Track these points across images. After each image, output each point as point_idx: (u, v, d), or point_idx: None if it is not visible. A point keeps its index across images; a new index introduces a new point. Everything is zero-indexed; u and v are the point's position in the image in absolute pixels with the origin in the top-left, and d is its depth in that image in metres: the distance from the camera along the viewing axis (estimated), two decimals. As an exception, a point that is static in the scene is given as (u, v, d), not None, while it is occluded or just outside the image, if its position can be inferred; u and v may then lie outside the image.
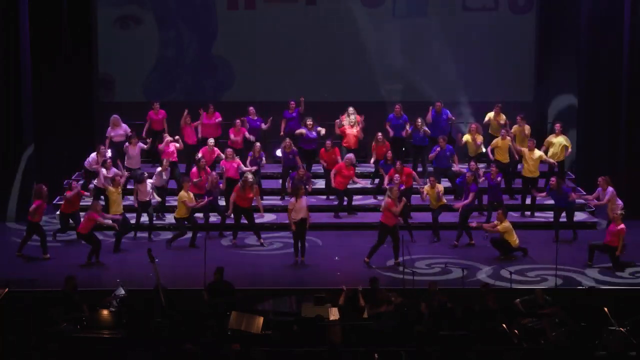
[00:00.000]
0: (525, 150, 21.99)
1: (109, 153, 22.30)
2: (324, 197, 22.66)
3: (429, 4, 25.54)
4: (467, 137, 22.88)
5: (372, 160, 22.78)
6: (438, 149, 22.17)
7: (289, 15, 25.45)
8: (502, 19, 25.58)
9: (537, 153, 21.93)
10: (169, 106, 24.12)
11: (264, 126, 23.49)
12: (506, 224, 19.74)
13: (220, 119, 23.44)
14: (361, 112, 23.47)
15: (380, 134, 22.82)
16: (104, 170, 21.32)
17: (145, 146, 22.48)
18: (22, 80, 21.96)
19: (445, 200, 21.05)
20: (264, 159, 22.57)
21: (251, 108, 23.59)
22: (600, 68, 23.17)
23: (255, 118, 23.52)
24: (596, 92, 23.34)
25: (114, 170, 21.49)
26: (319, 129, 22.76)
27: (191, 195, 20.47)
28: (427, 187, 21.02)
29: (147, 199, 20.94)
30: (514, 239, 19.71)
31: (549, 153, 22.27)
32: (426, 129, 23.03)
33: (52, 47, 23.10)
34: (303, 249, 19.66)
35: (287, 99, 24.07)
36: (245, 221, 20.67)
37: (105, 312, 15.66)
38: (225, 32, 25.54)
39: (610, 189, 20.21)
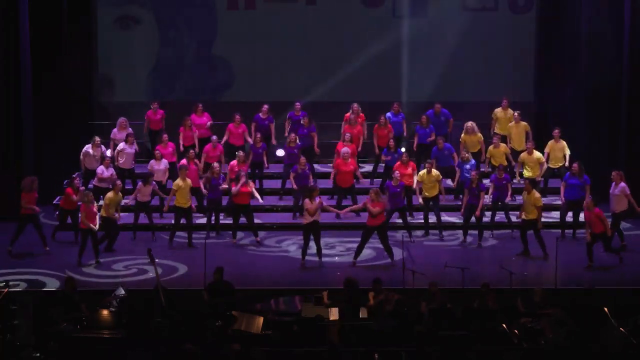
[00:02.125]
0: (524, 155, 21.94)
1: (108, 152, 22.30)
2: (327, 196, 22.65)
3: (429, 4, 25.53)
4: (463, 138, 22.89)
5: (377, 151, 22.78)
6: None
7: (289, 15, 25.44)
8: (502, 19, 25.57)
9: (537, 154, 21.90)
10: (169, 106, 24.12)
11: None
12: (537, 194, 19.86)
13: (208, 119, 23.38)
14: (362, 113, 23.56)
15: (382, 116, 22.86)
16: (101, 168, 21.34)
17: (138, 149, 22.42)
18: (22, 80, 21.96)
19: (443, 189, 21.02)
20: (265, 158, 22.58)
21: (265, 106, 23.50)
22: (600, 68, 23.17)
23: (265, 117, 23.47)
24: (596, 92, 23.33)
25: (112, 170, 21.53)
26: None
27: (188, 181, 20.50)
28: (423, 172, 20.99)
29: (147, 200, 20.94)
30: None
31: (551, 159, 22.22)
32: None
33: (52, 47, 23.10)
34: (319, 252, 19.57)
35: (286, 99, 24.08)
36: (245, 220, 20.69)
37: (105, 312, 15.65)
38: (225, 32, 25.53)
39: (622, 184, 20.20)
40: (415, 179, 21.30)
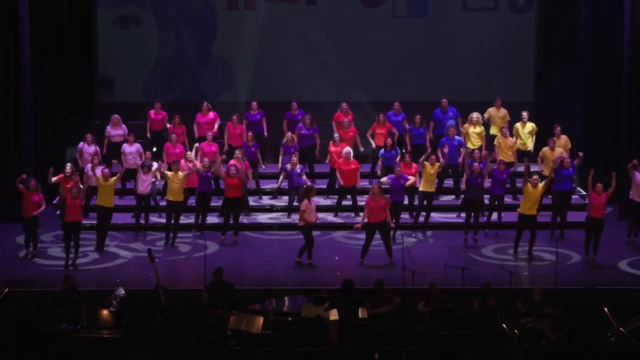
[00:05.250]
0: (547, 151, 21.90)
1: (97, 148, 22.21)
2: (323, 196, 22.64)
3: (429, 4, 25.53)
4: (466, 128, 22.90)
5: (373, 146, 22.83)
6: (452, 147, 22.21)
7: (289, 15, 25.44)
8: (502, 19, 25.57)
9: (558, 151, 21.84)
10: (169, 106, 24.12)
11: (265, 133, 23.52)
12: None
13: (215, 117, 23.41)
14: (360, 113, 23.57)
15: (382, 114, 22.88)
16: (87, 168, 21.34)
17: (140, 149, 22.37)
18: (22, 80, 21.96)
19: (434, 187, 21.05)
20: (259, 156, 22.64)
21: (254, 103, 23.60)
22: (600, 67, 23.18)
23: (256, 112, 23.52)
24: (596, 92, 23.34)
25: (101, 168, 21.53)
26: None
27: (180, 175, 20.49)
28: (426, 163, 20.99)
29: (148, 192, 20.94)
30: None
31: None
32: (429, 130, 23.16)
33: (52, 47, 23.09)
34: (302, 250, 19.66)
35: (286, 99, 24.08)
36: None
37: (105, 312, 15.66)
38: (225, 32, 25.54)
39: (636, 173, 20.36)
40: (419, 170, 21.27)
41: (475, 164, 20.74)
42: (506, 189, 21.56)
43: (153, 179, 21.19)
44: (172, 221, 20.56)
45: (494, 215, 21.36)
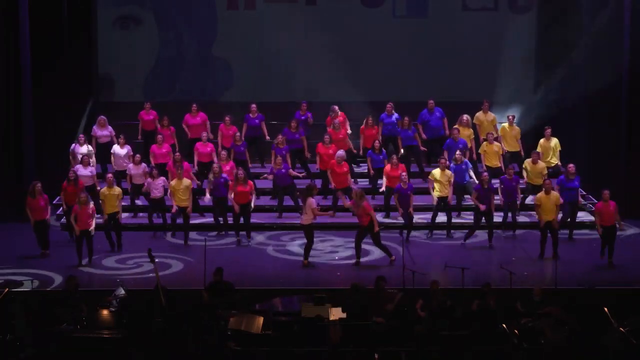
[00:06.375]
0: (528, 164, 21.77)
1: (90, 148, 22.21)
2: (321, 197, 22.63)
3: (429, 4, 25.55)
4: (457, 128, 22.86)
5: (362, 146, 22.88)
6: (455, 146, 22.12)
7: (289, 15, 25.44)
8: (502, 19, 25.58)
9: (541, 165, 21.58)
10: (169, 106, 24.13)
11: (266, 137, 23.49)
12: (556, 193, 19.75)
13: (205, 118, 23.38)
14: (359, 113, 23.57)
15: (370, 117, 22.88)
16: (79, 167, 21.33)
17: (130, 152, 22.32)
18: (22, 80, 21.97)
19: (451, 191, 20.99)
20: (245, 151, 22.64)
21: (253, 105, 23.56)
22: (600, 68, 23.18)
23: (255, 116, 23.50)
24: (596, 92, 23.33)
25: (92, 168, 21.52)
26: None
27: (185, 181, 20.50)
28: (436, 171, 20.89)
29: (160, 196, 20.97)
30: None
31: (543, 157, 22.11)
32: (420, 132, 23.14)
33: (52, 47, 23.10)
34: (307, 251, 19.65)
35: (286, 99, 24.07)
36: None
37: (105, 312, 15.66)
38: (225, 32, 25.55)
39: None
40: (429, 177, 21.21)
41: (485, 173, 20.65)
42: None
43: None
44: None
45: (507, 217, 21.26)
